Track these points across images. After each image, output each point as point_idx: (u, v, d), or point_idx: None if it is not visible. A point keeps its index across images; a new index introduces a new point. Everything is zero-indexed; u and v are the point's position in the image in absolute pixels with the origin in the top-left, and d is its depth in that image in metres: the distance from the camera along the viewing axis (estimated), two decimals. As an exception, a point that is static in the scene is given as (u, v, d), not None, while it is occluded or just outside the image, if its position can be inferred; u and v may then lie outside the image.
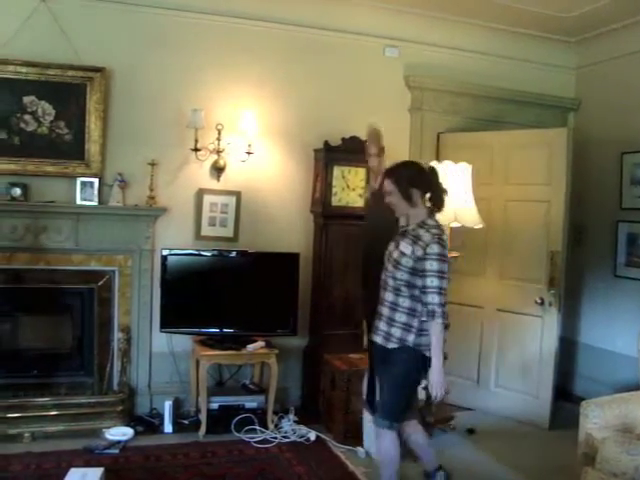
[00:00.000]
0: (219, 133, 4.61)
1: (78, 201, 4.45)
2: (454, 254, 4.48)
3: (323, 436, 4.45)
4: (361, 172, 4.89)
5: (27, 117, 4.42)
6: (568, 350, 5.39)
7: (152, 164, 4.45)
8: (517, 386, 4.99)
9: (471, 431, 4.72)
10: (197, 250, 4.64)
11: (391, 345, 3.23)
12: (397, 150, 5.00)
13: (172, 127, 4.62)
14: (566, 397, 5.22)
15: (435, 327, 3.13)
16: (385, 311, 3.29)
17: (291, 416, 4.60)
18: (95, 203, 4.47)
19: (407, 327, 3.19)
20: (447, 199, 3.37)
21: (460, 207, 4.34)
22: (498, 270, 5.12)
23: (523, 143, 5.01)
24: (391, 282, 3.25)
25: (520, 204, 5.00)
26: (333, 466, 4.07)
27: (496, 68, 5.46)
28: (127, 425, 4.37)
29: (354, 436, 4.34)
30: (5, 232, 4.33)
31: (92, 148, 4.48)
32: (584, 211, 5.42)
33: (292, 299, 4.69)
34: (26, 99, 4.41)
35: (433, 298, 3.11)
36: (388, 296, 3.27)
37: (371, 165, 3.79)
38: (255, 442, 4.31)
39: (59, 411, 4.28)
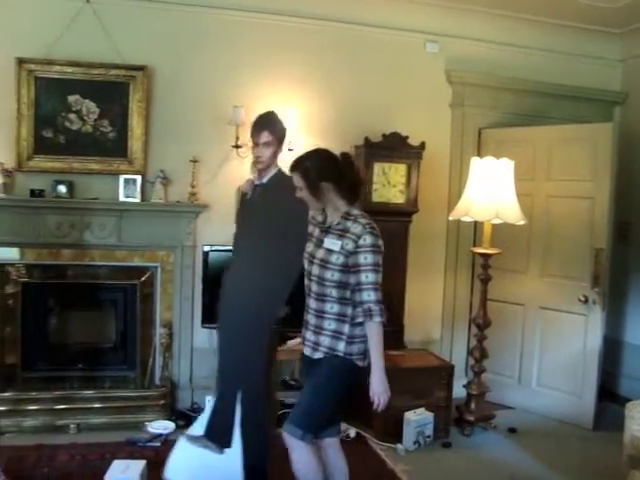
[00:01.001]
0: (260, 130, 4.62)
1: (121, 198, 4.52)
2: (494, 250, 4.46)
3: (363, 433, 4.45)
4: (402, 168, 4.85)
5: (72, 116, 4.52)
6: (613, 349, 5.28)
7: (194, 161, 4.49)
8: (560, 385, 4.91)
9: (512, 430, 4.66)
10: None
11: (318, 355, 2.91)
12: (437, 146, 5.02)
13: (213, 124, 4.66)
14: (611, 398, 5.11)
15: (374, 327, 2.78)
16: (312, 319, 2.94)
17: (331, 412, 4.60)
18: (138, 200, 4.53)
19: (337, 335, 2.86)
20: (362, 190, 3.03)
21: (502, 203, 4.30)
22: (540, 267, 5.04)
23: (566, 138, 4.91)
24: (315, 287, 2.89)
25: (563, 200, 4.91)
26: (373, 463, 4.07)
27: (538, 62, 5.36)
28: (168, 419, 4.43)
29: (394, 433, 4.34)
30: (51, 229, 4.44)
31: (135, 146, 4.55)
32: (629, 208, 5.30)
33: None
34: (71, 98, 4.51)
35: (369, 295, 2.77)
36: (312, 303, 2.93)
37: (255, 156, 3.25)
38: (296, 438, 4.34)
39: (103, 404, 4.37)
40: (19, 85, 4.40)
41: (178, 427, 4.36)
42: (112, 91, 4.54)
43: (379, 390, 2.82)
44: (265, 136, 3.17)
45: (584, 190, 4.78)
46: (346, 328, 2.85)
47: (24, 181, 4.49)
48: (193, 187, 4.55)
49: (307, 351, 2.98)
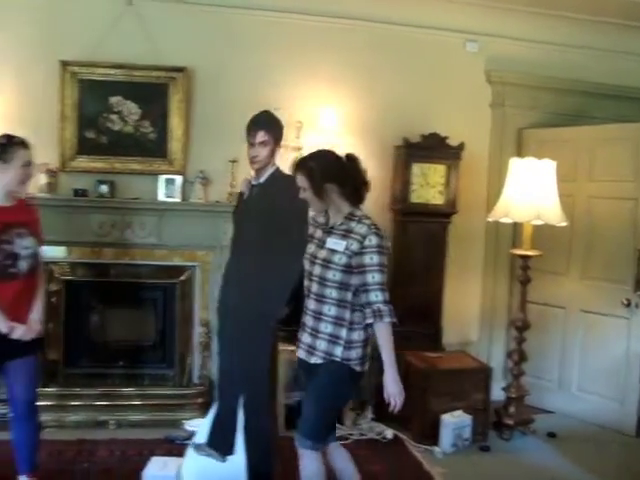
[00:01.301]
0: (298, 131, 4.63)
1: (161, 198, 4.58)
2: (535, 252, 4.40)
3: (400, 435, 4.43)
4: (441, 169, 4.83)
5: (114, 117, 4.60)
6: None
7: (233, 161, 4.51)
8: (601, 390, 4.83)
9: (552, 435, 4.59)
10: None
11: (314, 360, 2.83)
12: (476, 147, 4.98)
13: (252, 125, 4.68)
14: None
15: (384, 328, 2.75)
16: (309, 321, 2.88)
17: (368, 413, 4.58)
18: (178, 200, 4.59)
19: (334, 339, 2.79)
20: (367, 193, 2.92)
21: (543, 204, 4.25)
22: (581, 269, 4.96)
23: (608, 138, 4.83)
24: (315, 287, 2.84)
25: (605, 201, 4.83)
26: (409, 466, 4.05)
27: (578, 60, 5.26)
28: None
29: (431, 435, 4.31)
30: (93, 228, 4.52)
31: (175, 146, 4.61)
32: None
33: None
34: (113, 99, 4.59)
35: (377, 296, 2.71)
36: (311, 304, 2.87)
37: (251, 155, 3.20)
38: (332, 438, 4.34)
39: (142, 401, 4.43)
40: (63, 87, 4.51)
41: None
42: (153, 92, 4.61)
43: (394, 392, 2.77)
44: (261, 135, 3.16)
45: (627, 191, 4.69)
46: (344, 332, 2.79)
47: (67, 181, 4.59)
48: (232, 187, 4.57)
49: (302, 354, 2.91)
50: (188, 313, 4.74)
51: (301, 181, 2.86)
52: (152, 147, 4.60)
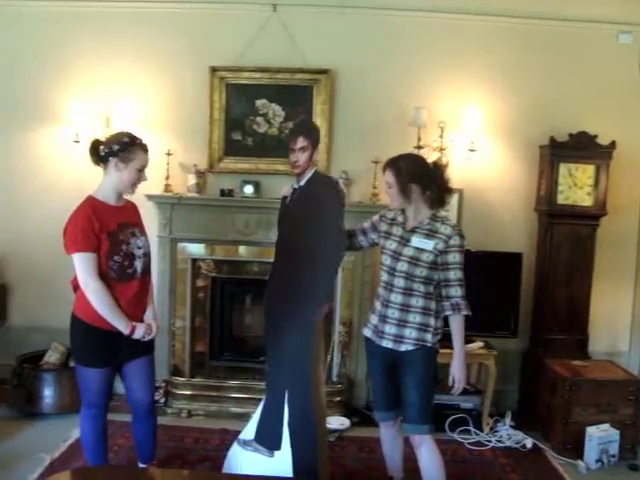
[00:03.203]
0: (442, 131, 4.58)
1: (305, 198, 4.67)
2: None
3: (540, 445, 4.26)
4: (590, 169, 4.59)
5: (259, 119, 4.75)
6: None
7: (375, 162, 4.51)
8: None
9: None
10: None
11: (404, 347, 3.04)
12: (629, 145, 4.72)
13: (395, 125, 4.67)
14: None
15: (459, 320, 3.03)
16: (394, 313, 3.06)
17: (507, 420, 4.46)
18: (321, 200, 4.65)
19: (424, 327, 3.04)
20: (450, 199, 3.16)
21: None
22: None
23: None
24: (402, 282, 3.03)
25: None
26: (550, 478, 3.88)
27: None
28: (344, 415, 4.50)
29: (574, 448, 4.11)
30: (239, 227, 4.68)
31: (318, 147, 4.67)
32: None
33: (513, 300, 4.56)
34: (258, 102, 4.74)
35: (456, 291, 3.01)
36: (396, 297, 3.05)
37: (292, 161, 3.26)
38: (468, 443, 4.25)
39: (282, 396, 4.54)
40: (212, 92, 4.72)
41: (353, 424, 4.44)
42: (297, 94, 4.72)
43: (459, 376, 3.05)
44: (301, 141, 3.20)
45: None
46: (432, 321, 3.04)
47: (215, 181, 4.79)
48: (375, 188, 4.59)
49: (388, 344, 3.08)
50: (328, 311, 4.78)
51: (389, 177, 3.07)
52: (296, 148, 4.71)
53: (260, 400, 4.41)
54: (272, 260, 3.49)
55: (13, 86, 4.87)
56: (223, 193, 4.69)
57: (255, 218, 4.66)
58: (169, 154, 4.64)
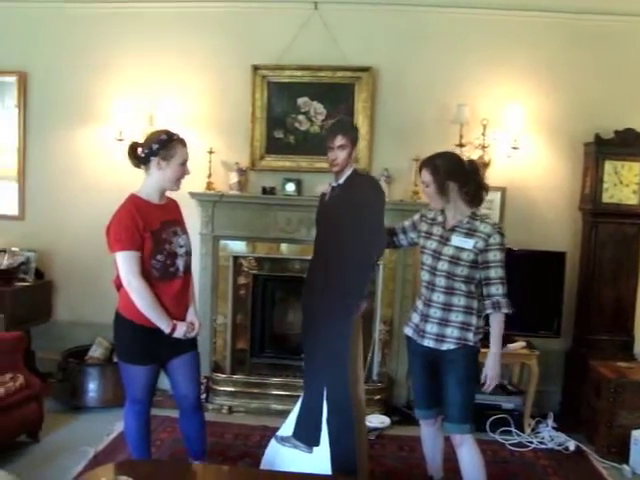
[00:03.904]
0: (484, 128, 4.54)
1: (347, 196, 4.67)
2: None
3: (583, 447, 4.19)
4: (636, 167, 4.50)
5: (301, 117, 4.77)
6: None
7: (416, 160, 4.46)
8: None
9: None
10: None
11: (446, 346, 3.04)
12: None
13: (436, 123, 4.65)
14: None
15: (499, 318, 3.01)
16: (436, 312, 3.07)
17: (549, 422, 4.40)
18: (362, 198, 4.65)
19: (466, 326, 3.03)
20: (486, 196, 3.14)
21: None
22: None
23: None
24: (443, 282, 3.03)
25: None
26: (593, 481, 3.83)
27: None
28: (384, 414, 4.49)
29: (619, 452, 4.03)
30: (280, 224, 4.70)
31: (360, 144, 4.57)
32: None
33: (556, 300, 4.50)
34: (300, 100, 4.76)
35: (497, 289, 2.99)
36: (438, 297, 3.06)
37: (330, 159, 3.25)
38: (510, 444, 4.21)
39: (322, 394, 4.55)
40: (254, 90, 4.75)
41: (393, 423, 4.43)
42: (338, 92, 4.73)
43: (493, 374, 3.04)
44: (339, 139, 3.20)
45: None
46: (474, 320, 3.04)
47: (256, 179, 4.83)
48: (416, 185, 4.56)
49: (430, 343, 3.08)
50: (369, 310, 4.76)
51: (425, 176, 3.07)
52: (337, 146, 4.71)
53: (300, 397, 4.52)
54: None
55: (58, 86, 4.98)
56: (265, 191, 4.71)
57: (296, 216, 4.67)
58: (211, 152, 4.69)
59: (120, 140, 4.66)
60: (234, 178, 4.73)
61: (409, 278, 4.68)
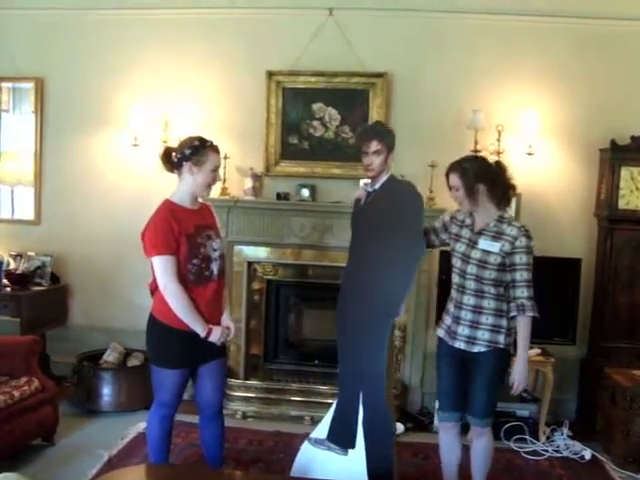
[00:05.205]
0: (499, 134, 4.53)
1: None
2: None
3: (599, 456, 4.15)
4: (653, 173, 4.50)
5: (315, 123, 4.78)
6: None
7: (432, 166, 4.49)
8: None
9: None
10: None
11: (477, 349, 3.08)
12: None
13: (452, 128, 4.65)
14: None
15: (525, 321, 3.02)
16: (467, 315, 3.11)
17: (565, 430, 4.36)
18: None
19: (496, 328, 3.07)
20: (513, 197, 3.19)
21: None
22: None
23: None
24: (473, 285, 3.08)
25: None
26: (609, 492, 3.79)
27: None
28: (398, 420, 4.45)
29: (636, 461, 3.98)
30: (294, 230, 4.70)
31: (375, 151, 4.67)
32: None
33: (572, 307, 4.48)
34: (314, 106, 4.78)
35: (522, 292, 3.00)
36: (469, 299, 3.10)
37: (365, 164, 3.23)
38: (524, 452, 4.17)
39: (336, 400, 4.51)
40: (269, 96, 4.77)
41: (407, 429, 4.42)
42: (353, 98, 4.74)
43: (520, 378, 3.08)
44: (375, 145, 3.18)
45: None
46: (504, 322, 3.07)
47: (271, 185, 4.84)
48: (431, 191, 4.56)
49: (461, 345, 3.12)
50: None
51: (454, 180, 3.09)
52: (352, 152, 4.62)
53: (314, 403, 4.52)
54: (346, 263, 3.44)
55: (74, 92, 5.03)
56: (279, 197, 4.73)
57: (311, 222, 4.68)
58: (226, 158, 4.68)
59: (135, 145, 4.68)
60: (249, 184, 4.74)
61: (424, 283, 4.66)
